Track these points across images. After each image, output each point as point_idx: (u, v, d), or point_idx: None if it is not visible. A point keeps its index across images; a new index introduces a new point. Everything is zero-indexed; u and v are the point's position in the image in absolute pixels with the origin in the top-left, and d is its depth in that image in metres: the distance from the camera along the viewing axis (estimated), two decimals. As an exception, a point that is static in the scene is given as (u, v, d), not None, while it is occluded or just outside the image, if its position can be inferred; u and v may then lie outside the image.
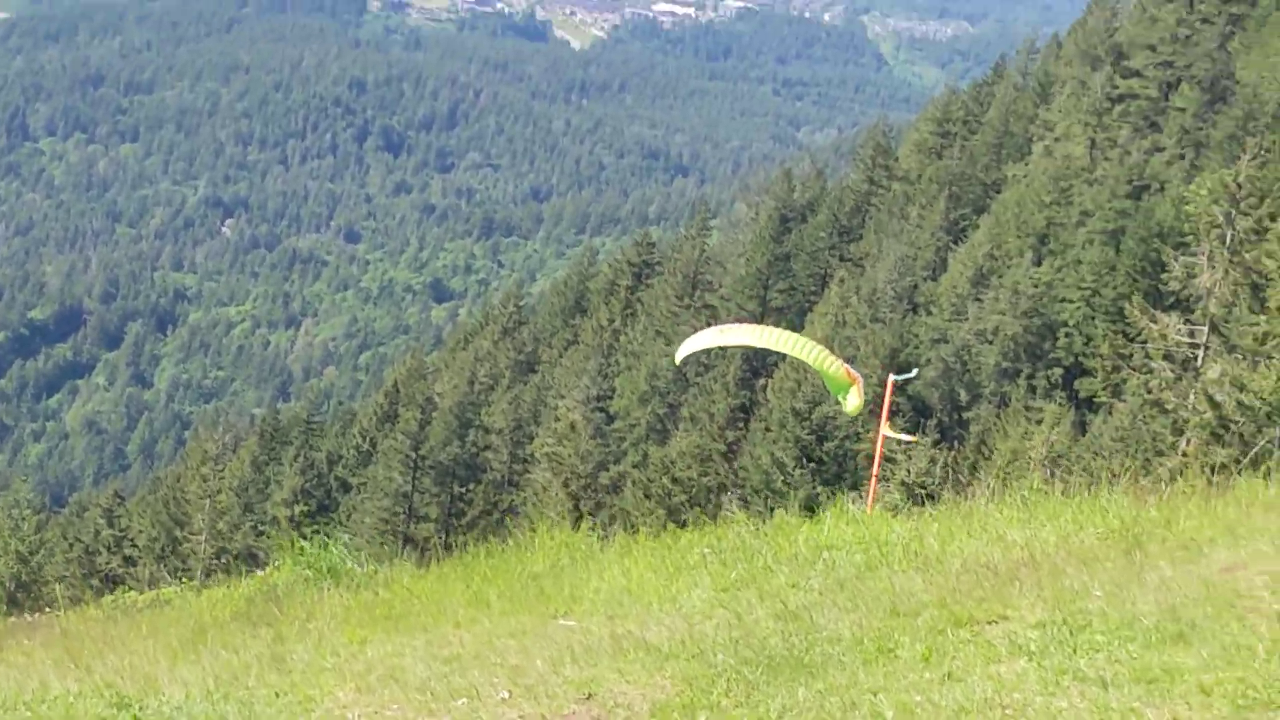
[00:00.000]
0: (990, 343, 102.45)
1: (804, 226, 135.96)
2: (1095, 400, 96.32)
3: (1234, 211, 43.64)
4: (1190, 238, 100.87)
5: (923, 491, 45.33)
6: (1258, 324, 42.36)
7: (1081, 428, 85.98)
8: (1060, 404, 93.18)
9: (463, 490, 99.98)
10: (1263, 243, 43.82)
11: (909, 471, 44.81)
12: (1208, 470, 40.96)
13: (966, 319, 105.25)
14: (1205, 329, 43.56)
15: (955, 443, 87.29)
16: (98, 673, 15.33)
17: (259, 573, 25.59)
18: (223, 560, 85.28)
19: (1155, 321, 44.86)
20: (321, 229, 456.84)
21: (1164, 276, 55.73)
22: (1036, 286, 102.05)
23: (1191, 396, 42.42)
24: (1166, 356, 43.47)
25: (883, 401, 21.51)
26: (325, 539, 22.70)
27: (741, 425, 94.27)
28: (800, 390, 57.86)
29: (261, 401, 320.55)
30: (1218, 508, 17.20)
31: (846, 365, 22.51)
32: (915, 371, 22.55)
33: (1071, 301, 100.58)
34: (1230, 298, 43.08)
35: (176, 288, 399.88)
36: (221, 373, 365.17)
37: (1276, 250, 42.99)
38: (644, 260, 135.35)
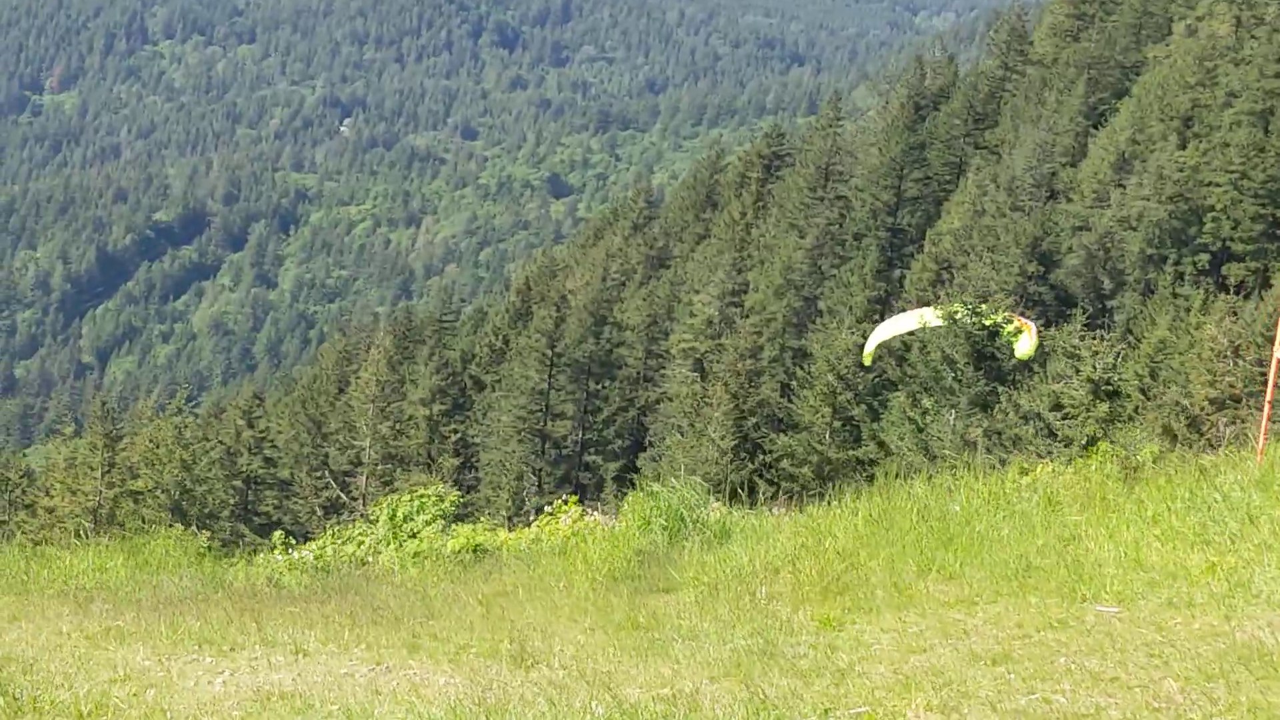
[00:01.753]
0: (1134, 229, 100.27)
1: (937, 114, 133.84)
2: (1244, 286, 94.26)
3: None
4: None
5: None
6: None
7: (1233, 315, 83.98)
8: (1207, 291, 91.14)
9: (598, 387, 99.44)
10: None
11: (1094, 367, 43.41)
12: None
13: (1109, 205, 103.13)
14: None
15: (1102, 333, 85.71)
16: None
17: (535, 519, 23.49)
18: (390, 466, 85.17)
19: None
20: (438, 126, 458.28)
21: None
22: (1181, 171, 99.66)
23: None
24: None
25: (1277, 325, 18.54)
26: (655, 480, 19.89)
27: (878, 317, 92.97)
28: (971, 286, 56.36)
29: (384, 300, 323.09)
30: None
31: (1018, 315, 21.29)
32: None
33: (1219, 185, 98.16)
34: None
35: (297, 188, 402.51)
36: (344, 272, 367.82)
37: None
38: (774, 152, 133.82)
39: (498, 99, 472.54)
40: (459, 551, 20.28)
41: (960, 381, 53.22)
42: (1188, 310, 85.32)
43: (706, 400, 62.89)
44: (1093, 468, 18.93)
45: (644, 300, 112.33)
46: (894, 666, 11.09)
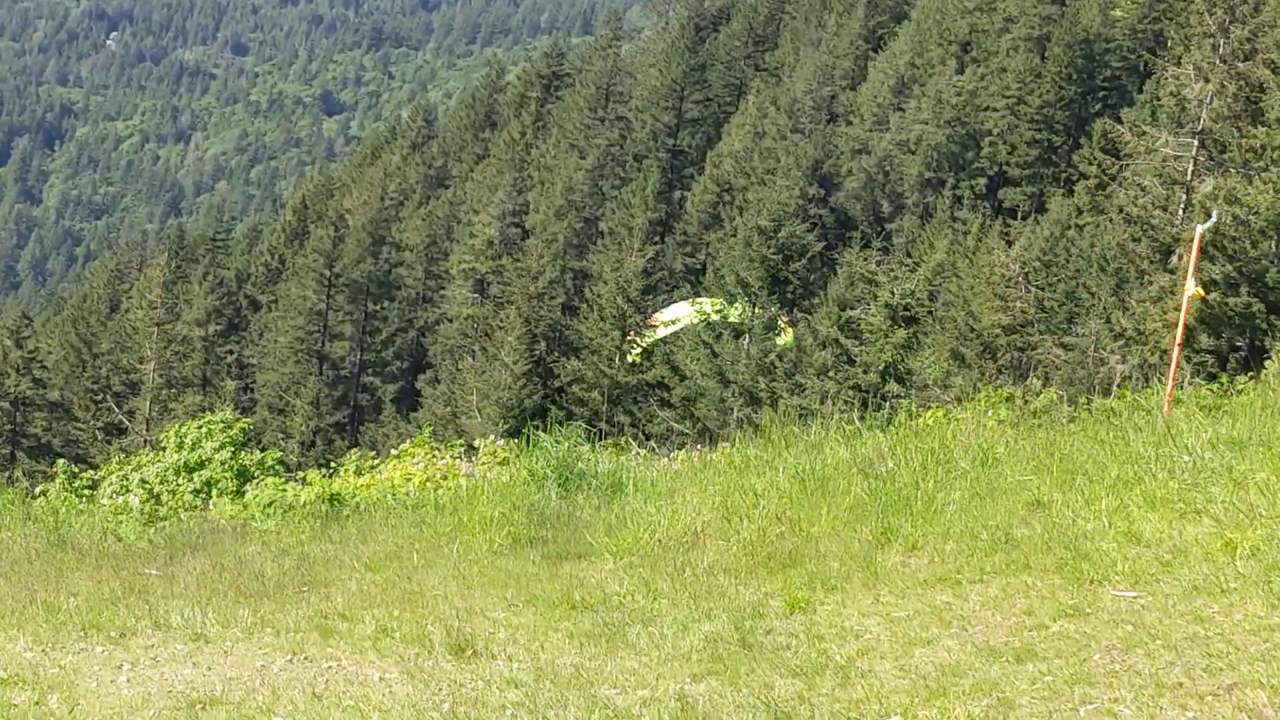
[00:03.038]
0: (913, 153, 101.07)
1: (717, 36, 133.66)
2: (1019, 210, 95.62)
3: (1228, 20, 42.14)
4: (1114, 44, 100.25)
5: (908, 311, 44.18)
6: (1254, 137, 41.10)
7: (1007, 240, 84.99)
8: (984, 215, 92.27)
9: (377, 308, 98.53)
10: (1258, 53, 42.42)
11: (892, 293, 43.42)
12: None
13: (888, 129, 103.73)
14: (1194, 143, 42.21)
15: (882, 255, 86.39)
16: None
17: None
18: (174, 391, 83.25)
19: (1142, 136, 43.40)
20: (208, 41, 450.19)
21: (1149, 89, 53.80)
22: (959, 95, 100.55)
23: (1181, 213, 41.22)
24: (1155, 172, 42.12)
25: (1190, 255, 16.98)
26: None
27: (658, 239, 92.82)
28: (765, 208, 56.16)
29: (153, 217, 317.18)
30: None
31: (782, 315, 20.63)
32: (1215, 217, 18.40)
33: (996, 110, 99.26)
34: (1225, 110, 41.68)
35: (62, 102, 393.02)
36: (111, 188, 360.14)
37: (1275, 58, 41.65)
38: (553, 72, 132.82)
39: (268, 14, 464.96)
40: (313, 502, 18.21)
41: (755, 305, 53.21)
42: (966, 234, 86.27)
43: (499, 324, 62.14)
44: (987, 414, 17.95)
45: (423, 220, 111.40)
46: (900, 663, 9.93)
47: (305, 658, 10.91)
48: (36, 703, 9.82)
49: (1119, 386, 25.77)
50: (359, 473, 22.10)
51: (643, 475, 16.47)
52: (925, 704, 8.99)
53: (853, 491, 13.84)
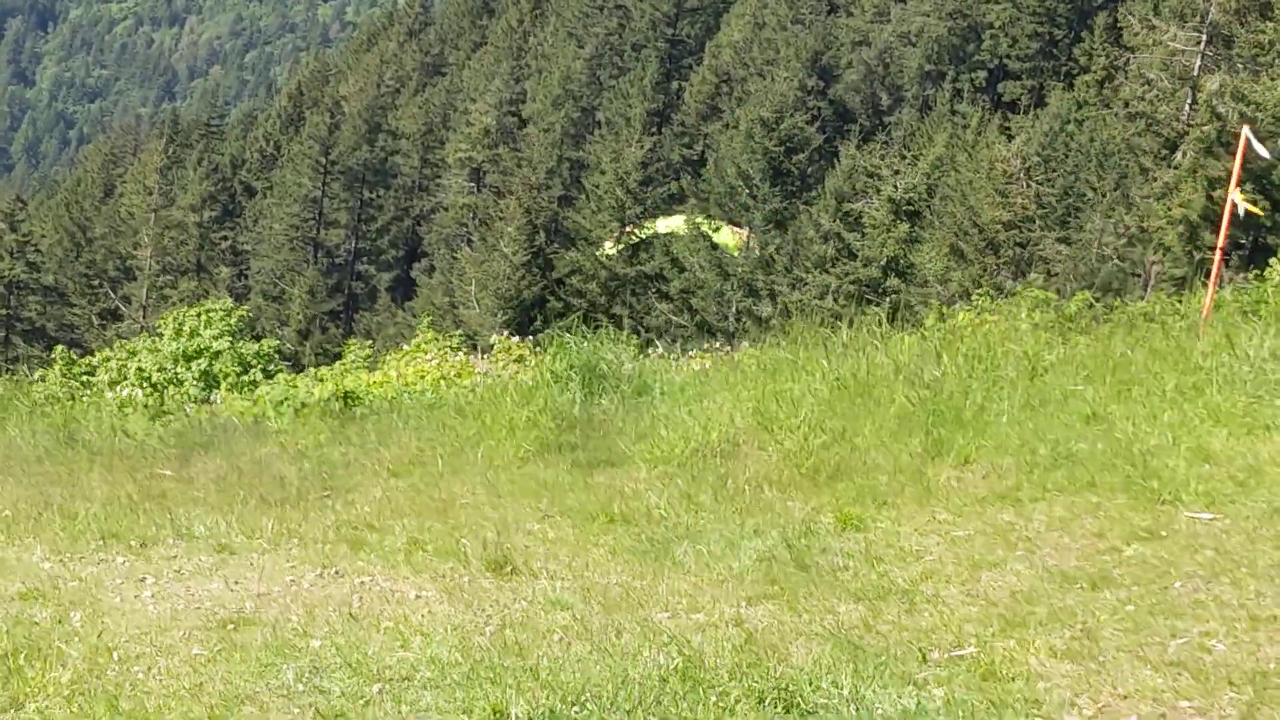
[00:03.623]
0: (913, 45, 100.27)
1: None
2: (1018, 104, 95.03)
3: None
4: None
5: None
6: (1262, 32, 40.68)
7: (1007, 134, 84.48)
8: (984, 108, 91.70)
9: (372, 196, 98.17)
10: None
11: (895, 187, 43.07)
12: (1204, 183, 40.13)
13: (889, 21, 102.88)
14: (1202, 37, 41.80)
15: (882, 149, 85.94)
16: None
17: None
18: (170, 277, 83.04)
19: (1152, 29, 42.95)
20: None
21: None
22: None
23: (1187, 109, 40.89)
24: (1161, 66, 41.68)
25: (1234, 161, 16.32)
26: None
27: (655, 130, 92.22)
28: (767, 99, 55.65)
29: (146, 101, 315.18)
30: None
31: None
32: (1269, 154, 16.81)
33: (998, 3, 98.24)
34: (1232, 4, 41.24)
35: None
36: (105, 71, 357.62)
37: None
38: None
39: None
40: (326, 400, 17.75)
41: (755, 198, 52.79)
42: (965, 127, 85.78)
43: (499, 214, 61.71)
44: (1023, 317, 17.29)
45: (419, 108, 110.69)
46: (966, 587, 9.35)
47: (336, 572, 10.38)
48: (59, 620, 9.16)
49: (1151, 289, 25.49)
50: (369, 368, 21.77)
51: (668, 378, 15.85)
52: (1001, 635, 8.43)
53: (897, 400, 13.14)
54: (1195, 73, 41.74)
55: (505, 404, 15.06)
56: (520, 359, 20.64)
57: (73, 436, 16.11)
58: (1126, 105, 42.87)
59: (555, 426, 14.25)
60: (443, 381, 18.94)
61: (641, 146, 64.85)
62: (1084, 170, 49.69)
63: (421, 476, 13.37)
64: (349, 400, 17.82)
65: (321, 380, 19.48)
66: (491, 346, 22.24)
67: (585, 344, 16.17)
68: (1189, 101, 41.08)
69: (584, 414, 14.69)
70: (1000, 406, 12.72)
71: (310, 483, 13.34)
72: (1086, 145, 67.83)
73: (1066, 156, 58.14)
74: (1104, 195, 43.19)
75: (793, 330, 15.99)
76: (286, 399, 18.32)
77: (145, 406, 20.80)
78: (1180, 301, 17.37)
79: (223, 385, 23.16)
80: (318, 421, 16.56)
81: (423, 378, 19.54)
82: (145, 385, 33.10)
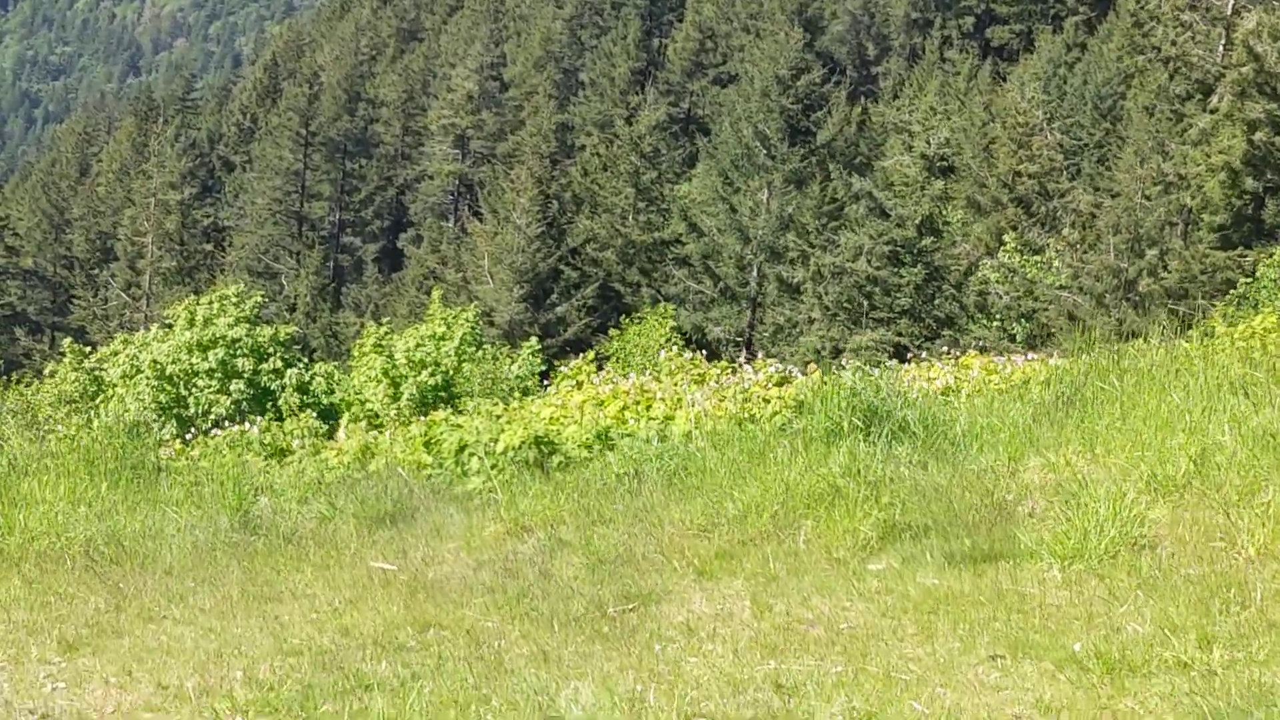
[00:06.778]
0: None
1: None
2: (1006, 49, 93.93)
3: None
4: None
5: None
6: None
7: (999, 78, 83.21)
8: (972, 55, 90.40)
9: (355, 166, 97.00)
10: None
11: (928, 143, 41.58)
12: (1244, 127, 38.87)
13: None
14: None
15: (866, 99, 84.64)
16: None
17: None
18: (174, 265, 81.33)
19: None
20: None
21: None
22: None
23: (1220, 49, 39.60)
24: (1192, 7, 40.35)
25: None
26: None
27: (639, 90, 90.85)
28: (772, 56, 54.14)
29: (112, 77, 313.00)
30: None
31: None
32: None
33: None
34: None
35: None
36: (68, 48, 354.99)
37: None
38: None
39: None
40: (518, 448, 13.23)
41: (774, 158, 51.29)
42: (956, 75, 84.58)
43: (510, 185, 60.13)
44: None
45: (398, 75, 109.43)
46: None
47: None
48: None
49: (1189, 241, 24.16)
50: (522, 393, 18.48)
51: (947, 412, 11.95)
52: None
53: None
54: (1229, 11, 40.54)
55: (776, 459, 10.89)
56: (781, 382, 16.17)
57: (248, 521, 11.80)
58: (1158, 50, 41.56)
59: (885, 509, 9.70)
60: (625, 413, 14.77)
61: (655, 109, 63.44)
62: (1081, 115, 48.41)
63: (747, 581, 9.00)
64: (541, 447, 13.56)
65: (510, 422, 14.67)
66: (750, 365, 17.36)
67: (864, 376, 12.64)
68: (1223, 43, 39.87)
69: (892, 473, 10.45)
70: None
71: (601, 589, 9.12)
72: (1080, 88, 66.71)
73: (1079, 102, 56.87)
74: (1136, 143, 41.89)
75: (1082, 333, 12.77)
76: (466, 447, 13.90)
77: (262, 445, 18.18)
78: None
79: (344, 418, 20.69)
80: (528, 483, 12.12)
81: (600, 405, 15.15)
82: (159, 379, 31.77)
